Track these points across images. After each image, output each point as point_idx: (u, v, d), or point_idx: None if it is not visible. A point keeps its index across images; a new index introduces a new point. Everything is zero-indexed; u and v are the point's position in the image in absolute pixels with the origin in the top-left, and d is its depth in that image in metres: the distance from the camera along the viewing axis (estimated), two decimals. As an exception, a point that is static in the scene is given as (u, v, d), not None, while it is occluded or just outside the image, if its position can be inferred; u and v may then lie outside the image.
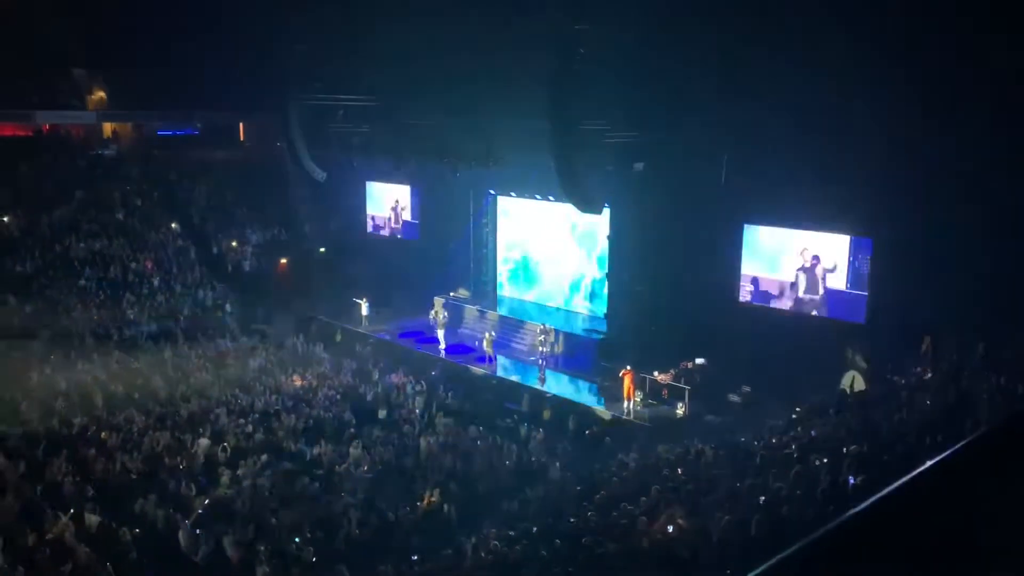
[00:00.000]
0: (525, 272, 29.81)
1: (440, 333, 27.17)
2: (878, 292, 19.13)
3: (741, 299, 21.79)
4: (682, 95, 20.23)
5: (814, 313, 20.57)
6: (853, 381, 18.29)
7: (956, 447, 1.13)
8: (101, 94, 37.75)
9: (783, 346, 19.36)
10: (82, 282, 29.02)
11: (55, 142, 37.02)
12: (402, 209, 33.12)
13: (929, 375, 15.60)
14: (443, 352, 26.40)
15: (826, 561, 0.99)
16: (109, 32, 34.15)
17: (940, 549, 1.05)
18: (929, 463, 1.09)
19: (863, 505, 1.05)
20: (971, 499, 1.13)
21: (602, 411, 21.19)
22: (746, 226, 21.56)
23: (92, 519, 13.58)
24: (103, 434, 17.79)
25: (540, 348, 24.87)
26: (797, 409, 16.82)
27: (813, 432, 14.18)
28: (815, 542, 0.99)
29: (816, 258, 20.46)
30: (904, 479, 1.06)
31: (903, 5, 17.06)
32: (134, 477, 15.90)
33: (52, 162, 35.02)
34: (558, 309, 28.25)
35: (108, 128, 39.37)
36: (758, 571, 0.96)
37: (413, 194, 32.16)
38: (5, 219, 31.33)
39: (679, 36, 19.67)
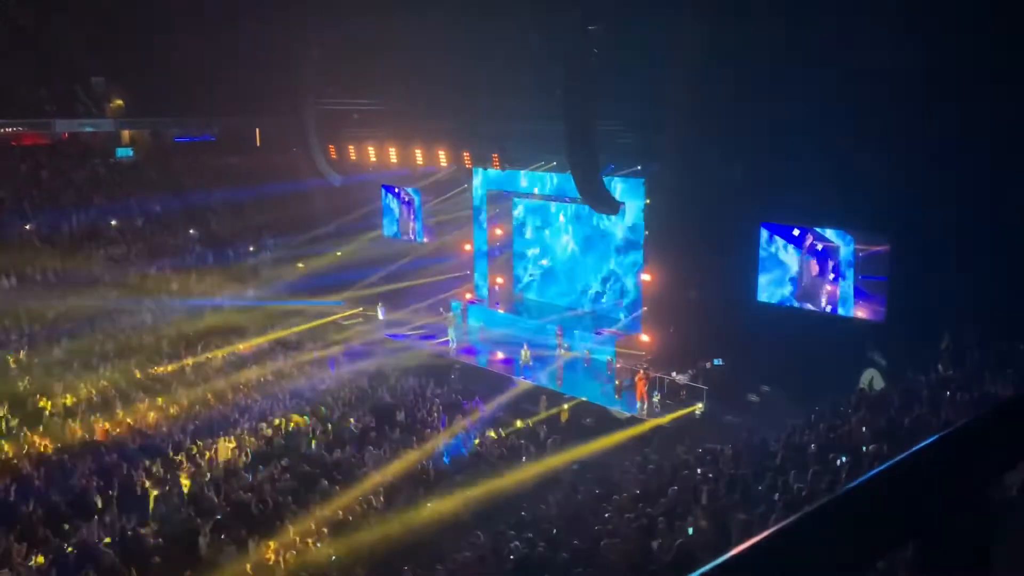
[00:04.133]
0: (541, 273, 29.83)
1: (451, 333, 27.25)
2: (897, 289, 18.98)
3: (759, 298, 21.66)
4: (697, 94, 20.18)
5: (832, 311, 20.43)
6: (872, 379, 18.18)
7: (953, 428, 1.13)
8: (119, 102, 38.11)
9: (802, 345, 19.26)
10: (102, 286, 29.30)
11: (74, 149, 37.44)
12: (416, 213, 33.15)
13: (950, 372, 15.48)
14: (452, 352, 26.51)
15: (817, 536, 1.01)
16: (126, 40, 34.46)
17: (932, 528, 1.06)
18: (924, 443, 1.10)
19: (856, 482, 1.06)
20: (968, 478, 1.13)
21: (618, 412, 21.17)
22: (763, 225, 21.45)
23: (114, 523, 13.73)
24: (126, 439, 17.97)
25: (558, 350, 24.92)
26: (816, 408, 16.75)
27: (833, 432, 14.10)
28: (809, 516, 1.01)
29: (835, 256, 20.34)
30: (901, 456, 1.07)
31: (925, 4, 16.96)
32: (155, 482, 16.03)
33: (72, 170, 35.41)
34: (576, 309, 28.26)
35: (126, 135, 39.73)
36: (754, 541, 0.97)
37: (428, 198, 32.20)
38: (27, 227, 31.70)
39: (694, 35, 19.64)
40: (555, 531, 12.45)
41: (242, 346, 26.35)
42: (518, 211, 30.15)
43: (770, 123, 19.40)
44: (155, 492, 15.43)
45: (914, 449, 1.07)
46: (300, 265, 34.16)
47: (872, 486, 1.03)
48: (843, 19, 17.90)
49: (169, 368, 23.83)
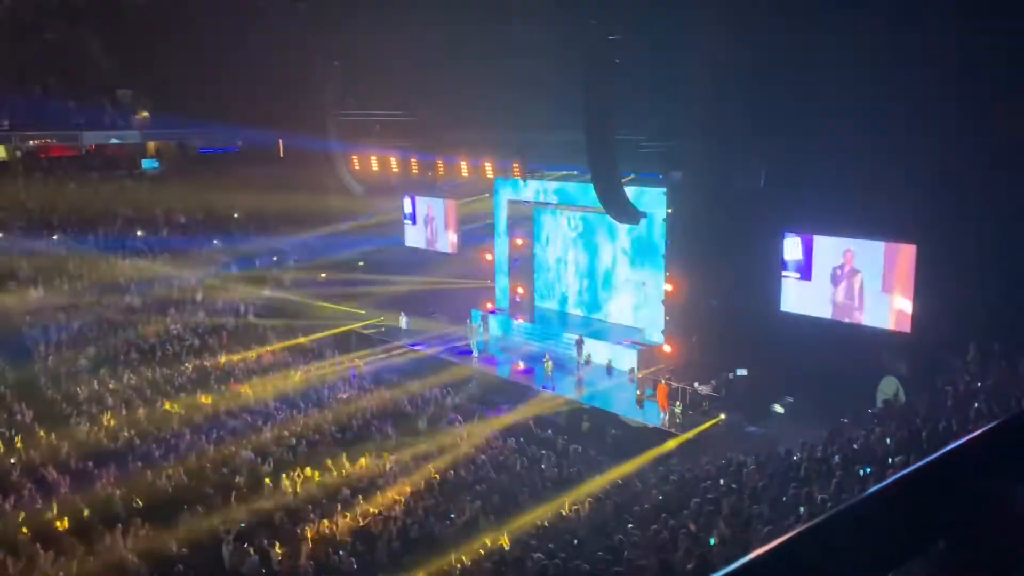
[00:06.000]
0: (561, 282, 29.81)
1: (473, 343, 27.28)
2: (923, 300, 18.76)
3: (782, 308, 21.48)
4: (719, 103, 20.11)
5: (858, 322, 20.21)
6: (897, 390, 17.98)
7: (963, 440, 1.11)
8: (145, 114, 38.63)
9: (826, 356, 19.07)
10: (128, 298, 29.61)
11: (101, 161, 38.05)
12: (438, 223, 33.20)
13: (979, 384, 15.28)
14: (476, 362, 26.54)
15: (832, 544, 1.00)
16: (153, 53, 34.91)
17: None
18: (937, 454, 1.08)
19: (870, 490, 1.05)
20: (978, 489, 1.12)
21: (639, 422, 21.05)
22: (786, 234, 21.29)
23: (140, 532, 13.83)
24: (151, 447, 18.10)
25: (578, 359, 24.88)
26: (841, 419, 16.59)
27: (857, 443, 13.97)
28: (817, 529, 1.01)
29: (859, 267, 20.16)
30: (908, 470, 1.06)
31: (946, 9, 16.80)
32: (180, 490, 16.12)
33: (98, 181, 35.93)
34: (596, 320, 28.22)
35: (152, 147, 40.28)
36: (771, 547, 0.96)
37: (450, 208, 32.27)
38: (55, 237, 32.15)
39: (715, 43, 19.58)
40: (576, 541, 12.41)
41: (255, 353, 26.56)
42: (540, 220, 30.14)
43: (793, 131, 19.29)
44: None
45: (939, 454, 1.06)
46: (323, 275, 34.37)
47: (897, 490, 1.02)
48: (868, 26, 17.77)
49: (194, 376, 24.01)
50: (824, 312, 20.75)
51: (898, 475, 1.03)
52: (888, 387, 18.14)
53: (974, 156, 16.40)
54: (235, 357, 25.91)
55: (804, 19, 18.64)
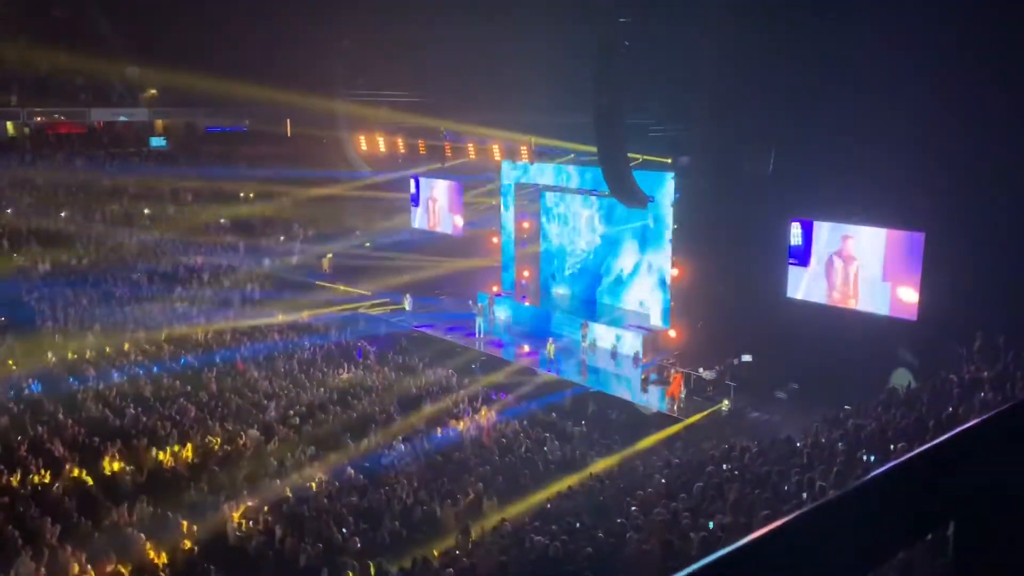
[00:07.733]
0: (567, 266, 29.76)
1: (479, 323, 27.33)
2: (930, 287, 18.69)
3: (788, 294, 21.43)
4: (728, 88, 20.00)
5: (863, 309, 20.16)
6: (909, 381, 17.92)
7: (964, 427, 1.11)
8: (153, 92, 38.60)
9: (831, 342, 19.04)
10: (135, 276, 29.70)
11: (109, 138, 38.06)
12: (442, 205, 33.15)
13: (985, 373, 15.23)
14: (480, 344, 26.57)
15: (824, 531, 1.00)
16: (161, 30, 34.83)
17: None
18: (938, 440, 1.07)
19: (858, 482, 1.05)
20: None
21: (643, 407, 21.08)
22: (793, 220, 21.20)
23: (145, 509, 13.92)
24: (157, 424, 18.17)
25: (582, 343, 24.89)
26: (845, 406, 16.57)
27: (861, 430, 13.96)
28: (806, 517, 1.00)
29: (857, 254, 20.07)
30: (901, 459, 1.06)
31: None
32: (186, 468, 16.20)
33: (106, 158, 35.96)
34: (601, 303, 28.19)
35: (160, 125, 40.29)
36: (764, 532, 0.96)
37: (456, 190, 32.22)
38: (62, 214, 32.22)
39: (724, 29, 19.46)
40: (578, 524, 12.44)
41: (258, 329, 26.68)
42: (547, 204, 30.07)
43: (801, 118, 19.18)
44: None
45: (948, 435, 1.05)
46: (329, 256, 34.39)
47: (904, 472, 1.02)
48: (876, 12, 17.63)
49: (199, 354, 24.08)
50: (821, 298, 20.70)
51: (905, 456, 1.02)
52: (900, 379, 18.03)
53: (985, 143, 16.29)
54: (239, 333, 26.04)
55: (813, 4, 18.52)
